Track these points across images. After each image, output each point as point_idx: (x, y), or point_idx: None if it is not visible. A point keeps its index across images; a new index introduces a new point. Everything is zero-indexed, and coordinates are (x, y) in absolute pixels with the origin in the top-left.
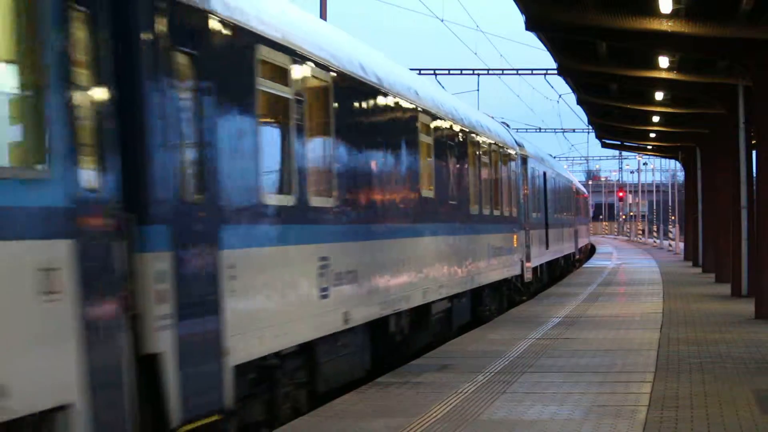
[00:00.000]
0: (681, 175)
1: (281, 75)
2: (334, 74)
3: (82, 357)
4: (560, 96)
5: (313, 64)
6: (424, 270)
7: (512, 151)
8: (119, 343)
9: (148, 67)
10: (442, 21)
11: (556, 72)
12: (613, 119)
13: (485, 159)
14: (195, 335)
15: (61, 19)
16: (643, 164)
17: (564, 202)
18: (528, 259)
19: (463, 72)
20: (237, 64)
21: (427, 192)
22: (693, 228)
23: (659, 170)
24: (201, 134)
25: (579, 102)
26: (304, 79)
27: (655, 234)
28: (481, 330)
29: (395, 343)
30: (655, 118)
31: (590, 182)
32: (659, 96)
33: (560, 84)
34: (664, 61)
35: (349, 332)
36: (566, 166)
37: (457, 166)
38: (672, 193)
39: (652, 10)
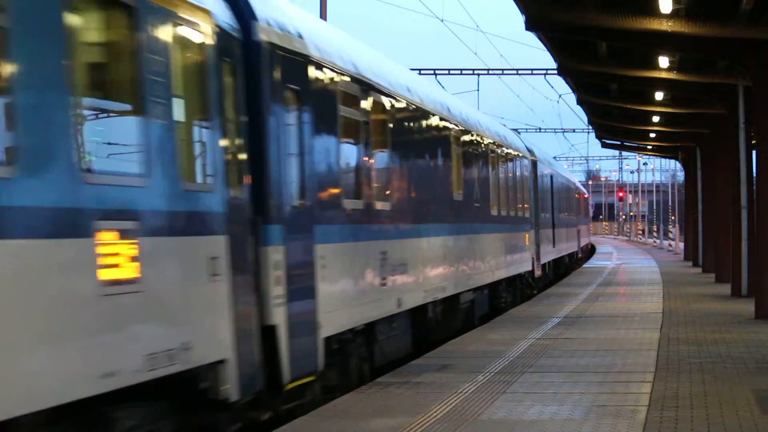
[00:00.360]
0: (681, 175)
1: (354, 102)
2: (390, 98)
3: (232, 324)
4: (560, 96)
5: (375, 91)
6: (455, 264)
7: (524, 157)
8: (251, 315)
9: (268, 103)
10: (442, 21)
11: (556, 72)
12: (613, 119)
13: (502, 164)
14: (299, 312)
15: (217, 69)
16: (643, 164)
17: (568, 203)
18: (538, 257)
19: (463, 72)
20: (325, 95)
21: (458, 196)
22: (693, 228)
23: (659, 170)
24: (301, 152)
25: (579, 102)
26: (369, 103)
27: (655, 234)
28: (481, 330)
29: (431, 328)
30: (655, 118)
31: (590, 182)
32: (659, 96)
33: (560, 84)
34: (664, 61)
35: (398, 316)
36: (566, 166)
37: (480, 171)
38: (672, 193)
39: (652, 10)
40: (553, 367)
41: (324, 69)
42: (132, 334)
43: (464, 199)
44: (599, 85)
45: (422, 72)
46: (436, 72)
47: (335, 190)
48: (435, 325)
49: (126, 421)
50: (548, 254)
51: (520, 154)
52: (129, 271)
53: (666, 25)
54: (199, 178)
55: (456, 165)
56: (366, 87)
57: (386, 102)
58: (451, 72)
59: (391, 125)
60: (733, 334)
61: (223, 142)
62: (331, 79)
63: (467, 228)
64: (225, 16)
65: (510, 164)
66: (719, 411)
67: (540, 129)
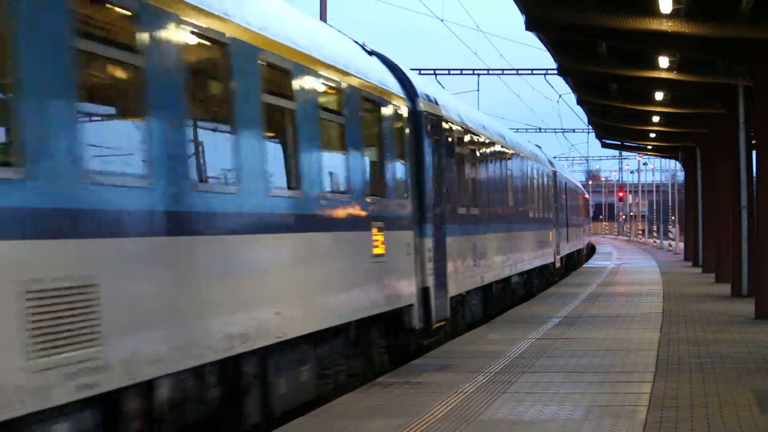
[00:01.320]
0: (681, 175)
1: (461, 141)
2: (476, 135)
3: (414, 283)
4: (560, 96)
5: (470, 132)
6: (508, 255)
7: (549, 169)
8: (419, 279)
9: (424, 149)
10: (442, 21)
11: (556, 72)
12: (613, 119)
13: (535, 175)
14: (439, 280)
15: (406, 130)
16: (643, 164)
17: (577, 206)
18: (558, 251)
19: (463, 72)
20: (448, 140)
21: (510, 202)
22: (693, 228)
23: (659, 170)
24: (438, 176)
25: (579, 102)
26: (467, 140)
27: (655, 234)
28: (481, 330)
29: (493, 301)
30: (655, 118)
31: (590, 182)
32: (659, 96)
33: (560, 84)
34: (664, 61)
35: (478, 289)
36: (566, 166)
37: (522, 183)
38: (672, 193)
39: (652, 10)
40: (553, 367)
41: (449, 123)
42: (382, 285)
43: (514, 205)
44: (599, 85)
45: (422, 72)
46: (436, 72)
47: (453, 201)
48: (495, 300)
49: (374, 332)
50: (564, 249)
51: (546, 166)
52: (381, 249)
53: (666, 25)
54: (404, 196)
55: (509, 179)
56: (465, 130)
57: (475, 139)
58: (451, 72)
59: (478, 154)
60: (733, 334)
61: (409, 173)
62: (452, 129)
63: (515, 227)
64: (406, 97)
65: (540, 176)
66: (719, 411)
67: (540, 129)
